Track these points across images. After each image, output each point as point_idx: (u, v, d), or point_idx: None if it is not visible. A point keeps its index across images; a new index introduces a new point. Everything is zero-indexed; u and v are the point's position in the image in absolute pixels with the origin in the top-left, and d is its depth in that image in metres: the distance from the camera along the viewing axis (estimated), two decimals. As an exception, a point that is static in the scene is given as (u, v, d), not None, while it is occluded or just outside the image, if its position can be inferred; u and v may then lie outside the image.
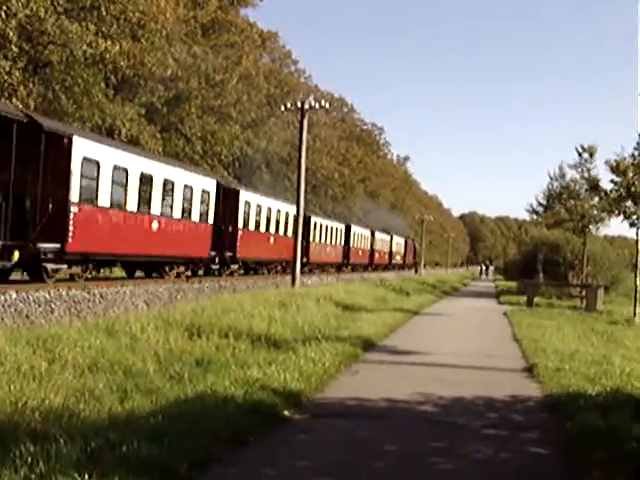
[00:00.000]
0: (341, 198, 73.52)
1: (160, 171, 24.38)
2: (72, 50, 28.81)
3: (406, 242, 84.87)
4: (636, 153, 23.94)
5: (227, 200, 30.68)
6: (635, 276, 26.02)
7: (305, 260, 41.66)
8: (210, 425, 7.00)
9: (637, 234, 25.18)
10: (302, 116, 31.57)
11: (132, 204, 22.51)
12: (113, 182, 21.36)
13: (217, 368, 10.20)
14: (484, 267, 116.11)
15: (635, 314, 24.53)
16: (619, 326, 21.98)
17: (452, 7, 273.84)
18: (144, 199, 23.18)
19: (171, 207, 25.13)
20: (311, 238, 44.72)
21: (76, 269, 20.65)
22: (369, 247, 63.59)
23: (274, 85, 54.86)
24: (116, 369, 9.75)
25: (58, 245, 18.91)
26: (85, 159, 19.92)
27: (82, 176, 19.71)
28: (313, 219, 46.05)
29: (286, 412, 8.42)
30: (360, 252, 60.11)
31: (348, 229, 55.64)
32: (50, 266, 19.14)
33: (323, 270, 48.09)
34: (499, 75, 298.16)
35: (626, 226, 25.38)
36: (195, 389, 8.74)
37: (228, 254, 30.82)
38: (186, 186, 26.12)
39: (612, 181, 25.26)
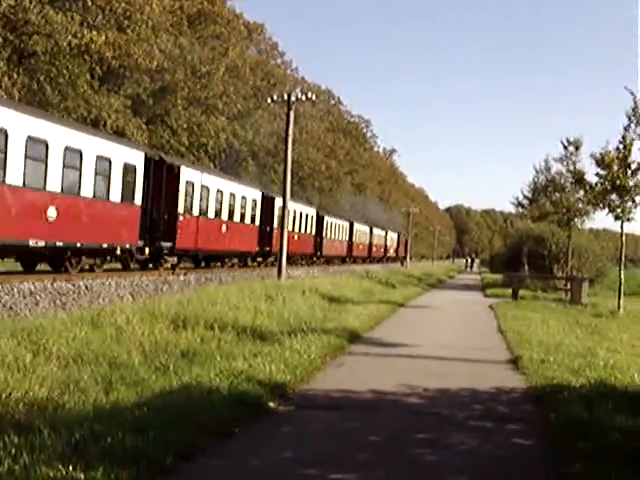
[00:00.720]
0: (327, 190, 73.54)
1: (228, 187, 32.74)
2: (57, 40, 28.69)
3: (399, 236, 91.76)
4: (621, 146, 24.02)
5: (266, 206, 38.87)
6: (619, 269, 26.15)
7: (319, 253, 51.88)
8: (195, 416, 6.99)
9: (622, 227, 25.29)
10: (288, 108, 31.49)
11: (211, 212, 30.78)
12: (201, 197, 29.45)
13: (202, 360, 10.19)
14: (470, 260, 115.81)
15: (619, 307, 24.62)
16: (603, 318, 22.06)
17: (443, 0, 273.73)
18: (218, 208, 31.46)
19: (233, 213, 33.29)
20: (324, 234, 53.00)
21: (174, 260, 28.23)
22: (368, 242, 70.88)
23: (260, 77, 54.74)
24: (101, 361, 9.72)
25: (171, 244, 27.03)
26: (187, 182, 27.97)
27: (185, 194, 27.79)
28: (326, 218, 53.68)
29: (271, 403, 8.42)
30: (361, 246, 67.94)
31: (351, 226, 63.02)
32: (167, 259, 27.49)
33: (329, 262, 54.87)
34: (487, 70, 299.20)
35: (611, 219, 25.49)
36: (180, 380, 8.73)
37: (267, 248, 39.09)
38: (243, 197, 34.56)
39: (597, 174, 25.31)
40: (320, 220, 51.77)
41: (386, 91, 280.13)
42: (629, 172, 24.00)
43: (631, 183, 23.93)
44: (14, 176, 18.31)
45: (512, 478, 6.28)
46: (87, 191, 21.56)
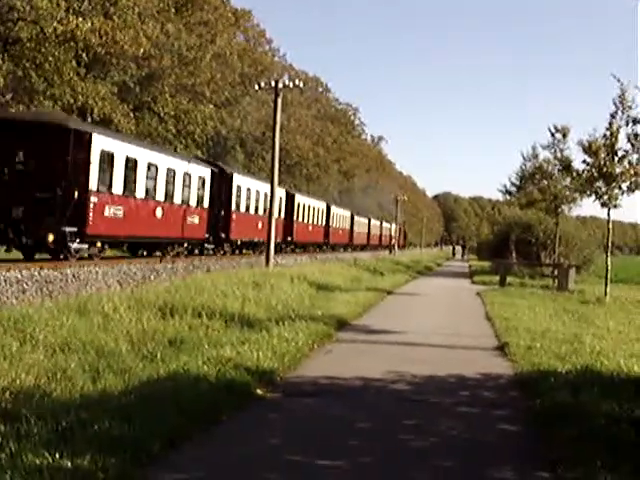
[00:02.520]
0: (315, 178, 73.52)
1: (314, 203, 52.85)
2: (42, 27, 28.42)
3: (400, 228, 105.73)
4: (608, 134, 24.07)
5: (327, 212, 56.97)
6: (606, 256, 26.24)
7: (350, 243, 67.57)
8: (182, 404, 6.99)
9: (608, 214, 25.39)
10: (276, 95, 31.36)
11: (309, 220, 50.91)
12: (307, 213, 49.92)
13: (190, 347, 10.19)
14: (460, 247, 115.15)
15: (606, 293, 24.71)
16: (590, 305, 22.14)
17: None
18: (308, 216, 50.22)
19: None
20: (354, 229, 69.00)
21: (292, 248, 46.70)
22: (379, 233, 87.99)
23: (248, 64, 54.40)
24: (88, 349, 9.69)
25: (291, 238, 45.34)
26: (298, 204, 47.08)
27: (297, 211, 46.87)
28: (355, 218, 69.93)
29: (259, 391, 8.43)
30: (375, 236, 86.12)
31: (369, 221, 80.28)
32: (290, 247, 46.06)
33: (355, 249, 68.55)
34: (474, 55, 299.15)
35: (598, 206, 25.58)
36: (168, 368, 8.72)
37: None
38: (318, 209, 53.76)
39: (584, 161, 25.35)
40: (352, 218, 68.82)
41: (374, 79, 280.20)
42: (616, 159, 24.05)
43: (618, 170, 23.98)
44: (260, 209, 37.73)
45: (498, 463, 6.31)
46: (276, 214, 35.81)
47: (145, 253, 28.41)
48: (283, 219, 44.72)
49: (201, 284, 17.46)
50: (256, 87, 34.24)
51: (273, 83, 31.90)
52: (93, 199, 22.01)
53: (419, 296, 25.21)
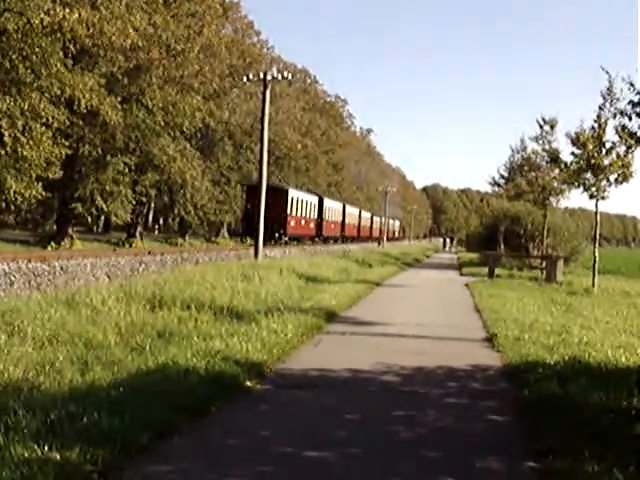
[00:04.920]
0: (304, 170, 73.42)
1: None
2: (29, 18, 28.17)
3: (400, 223, 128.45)
4: (596, 125, 24.14)
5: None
6: (594, 247, 26.36)
7: (318, 234, 69.90)
8: (172, 396, 6.98)
9: (596, 206, 25.51)
10: (265, 87, 31.33)
11: (352, 220, 78.32)
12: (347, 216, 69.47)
13: (179, 340, 10.16)
14: (449, 240, 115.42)
15: (594, 284, 24.84)
16: (578, 296, 22.23)
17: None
18: (349, 217, 75.46)
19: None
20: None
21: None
22: (356, 222, 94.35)
23: (236, 56, 54.12)
24: (77, 341, 9.67)
25: (341, 234, 72.76)
26: (347, 213, 74.66)
27: (345, 214, 73.72)
28: (374, 218, 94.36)
29: (248, 383, 8.43)
30: (351, 226, 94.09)
31: (381, 219, 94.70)
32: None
33: (369, 241, 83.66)
34: (464, 46, 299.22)
35: (586, 198, 25.68)
36: (157, 361, 8.69)
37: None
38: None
39: (572, 153, 25.42)
40: (371, 218, 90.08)
41: (361, 71, 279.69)
42: (604, 151, 24.13)
43: (605, 162, 24.08)
44: (335, 218, 69.96)
45: (487, 454, 6.33)
46: (342, 218, 67.85)
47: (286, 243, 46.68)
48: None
49: (190, 276, 17.45)
50: (245, 79, 34.16)
51: (262, 75, 31.84)
52: (288, 218, 49.78)
53: (408, 288, 25.25)
